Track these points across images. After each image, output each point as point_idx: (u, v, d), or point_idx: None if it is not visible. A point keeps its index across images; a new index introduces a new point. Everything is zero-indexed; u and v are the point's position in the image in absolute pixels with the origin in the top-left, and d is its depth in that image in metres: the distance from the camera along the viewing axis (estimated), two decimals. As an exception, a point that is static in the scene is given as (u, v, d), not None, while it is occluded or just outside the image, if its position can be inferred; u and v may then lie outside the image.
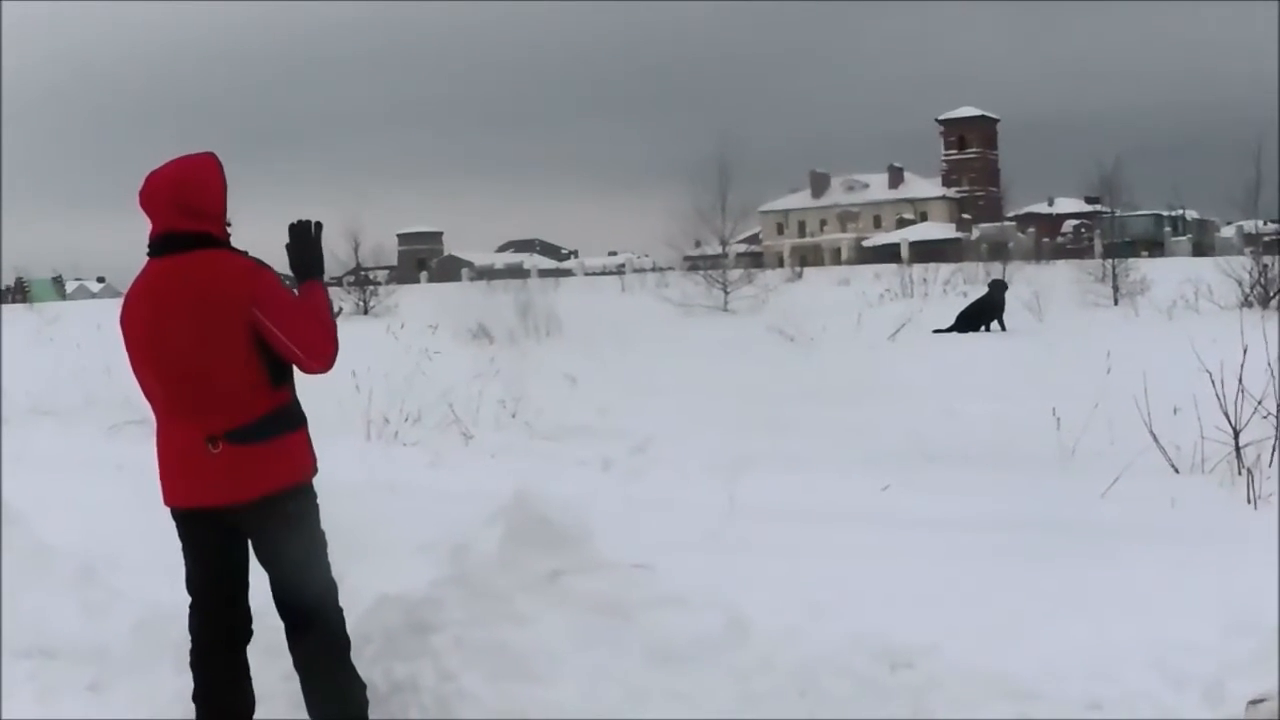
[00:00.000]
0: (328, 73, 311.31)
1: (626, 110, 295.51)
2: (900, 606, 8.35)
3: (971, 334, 32.15)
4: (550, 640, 7.00)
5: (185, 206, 6.01)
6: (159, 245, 6.08)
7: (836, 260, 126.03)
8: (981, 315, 33.20)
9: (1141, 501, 10.96)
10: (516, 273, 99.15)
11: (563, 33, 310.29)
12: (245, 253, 6.14)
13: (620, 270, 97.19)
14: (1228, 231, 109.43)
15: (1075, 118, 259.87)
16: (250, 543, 6.28)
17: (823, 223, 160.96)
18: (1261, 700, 7.00)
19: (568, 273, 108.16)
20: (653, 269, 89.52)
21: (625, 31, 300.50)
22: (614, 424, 16.35)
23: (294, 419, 6.19)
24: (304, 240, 6.33)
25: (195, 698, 6.41)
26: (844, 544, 9.83)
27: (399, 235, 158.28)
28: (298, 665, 6.32)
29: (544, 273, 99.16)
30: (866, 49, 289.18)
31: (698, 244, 55.48)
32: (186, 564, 6.38)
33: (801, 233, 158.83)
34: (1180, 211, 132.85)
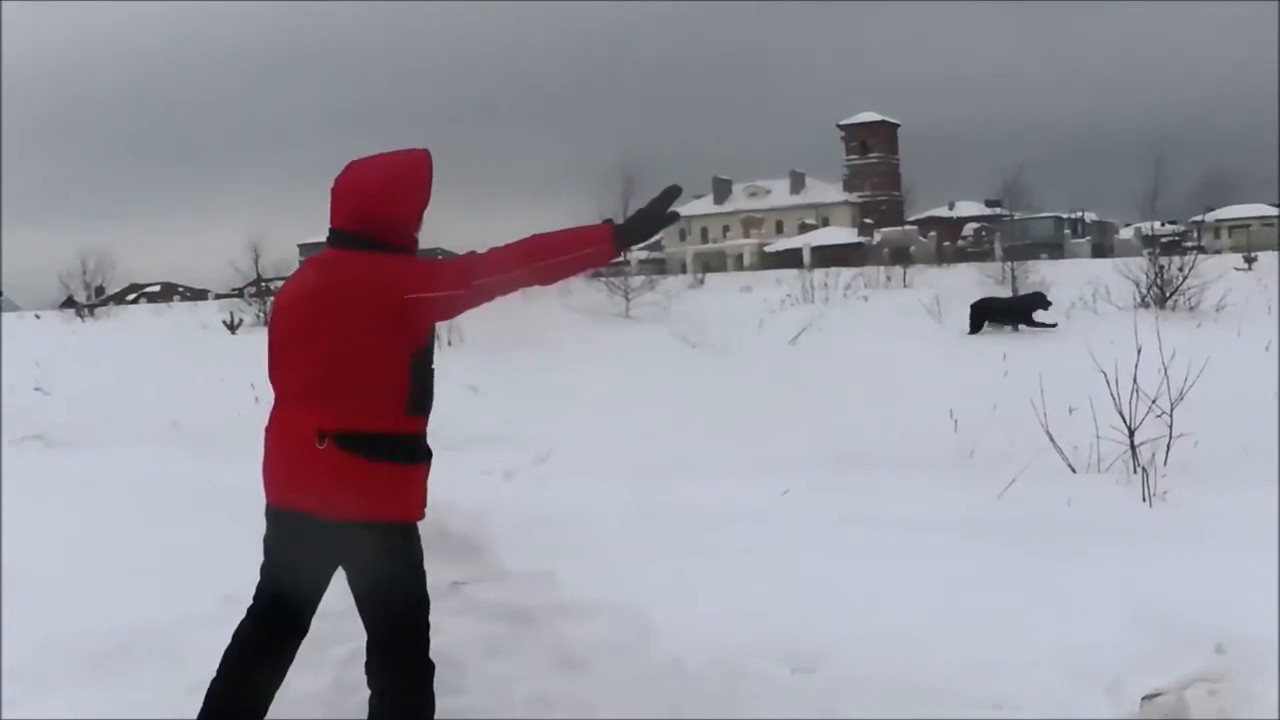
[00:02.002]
0: (246, 78, 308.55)
1: (530, 118, 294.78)
2: (804, 609, 8.40)
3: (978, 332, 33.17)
4: (455, 650, 7.00)
5: (369, 218, 5.73)
6: (335, 238, 5.81)
7: (739, 266, 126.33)
8: (1006, 314, 34.19)
9: (1039, 501, 11.07)
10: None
11: (464, 40, 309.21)
12: None
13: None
14: (1127, 233, 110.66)
15: (976, 122, 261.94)
16: (342, 568, 5.91)
17: (726, 229, 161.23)
18: (1156, 695, 7.11)
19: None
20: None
21: (527, 38, 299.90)
22: (519, 433, 16.39)
23: (417, 452, 5.86)
24: (655, 217, 5.84)
25: (212, 694, 5.97)
26: (746, 547, 9.86)
27: (299, 245, 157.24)
28: (374, 689, 5.91)
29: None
30: (768, 56, 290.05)
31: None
32: (263, 566, 6.00)
33: (704, 239, 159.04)
34: (1080, 214, 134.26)
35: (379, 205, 5.75)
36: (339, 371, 5.60)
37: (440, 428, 15.81)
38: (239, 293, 67.17)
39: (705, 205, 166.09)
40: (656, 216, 5.83)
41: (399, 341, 5.63)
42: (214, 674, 5.98)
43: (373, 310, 5.56)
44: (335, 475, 5.59)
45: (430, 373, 5.87)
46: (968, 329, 33.32)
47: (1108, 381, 12.70)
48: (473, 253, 5.76)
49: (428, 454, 5.95)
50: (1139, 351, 12.75)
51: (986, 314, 34.02)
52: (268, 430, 5.84)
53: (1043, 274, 44.70)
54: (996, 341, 24.19)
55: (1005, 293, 42.09)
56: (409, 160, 5.90)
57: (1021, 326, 33.16)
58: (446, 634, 6.94)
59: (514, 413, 18.15)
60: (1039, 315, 33.31)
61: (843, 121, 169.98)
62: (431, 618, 6.08)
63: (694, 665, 7.40)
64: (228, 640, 6.00)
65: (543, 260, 5.72)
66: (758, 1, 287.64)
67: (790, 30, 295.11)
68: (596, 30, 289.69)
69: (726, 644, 7.69)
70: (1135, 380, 12.68)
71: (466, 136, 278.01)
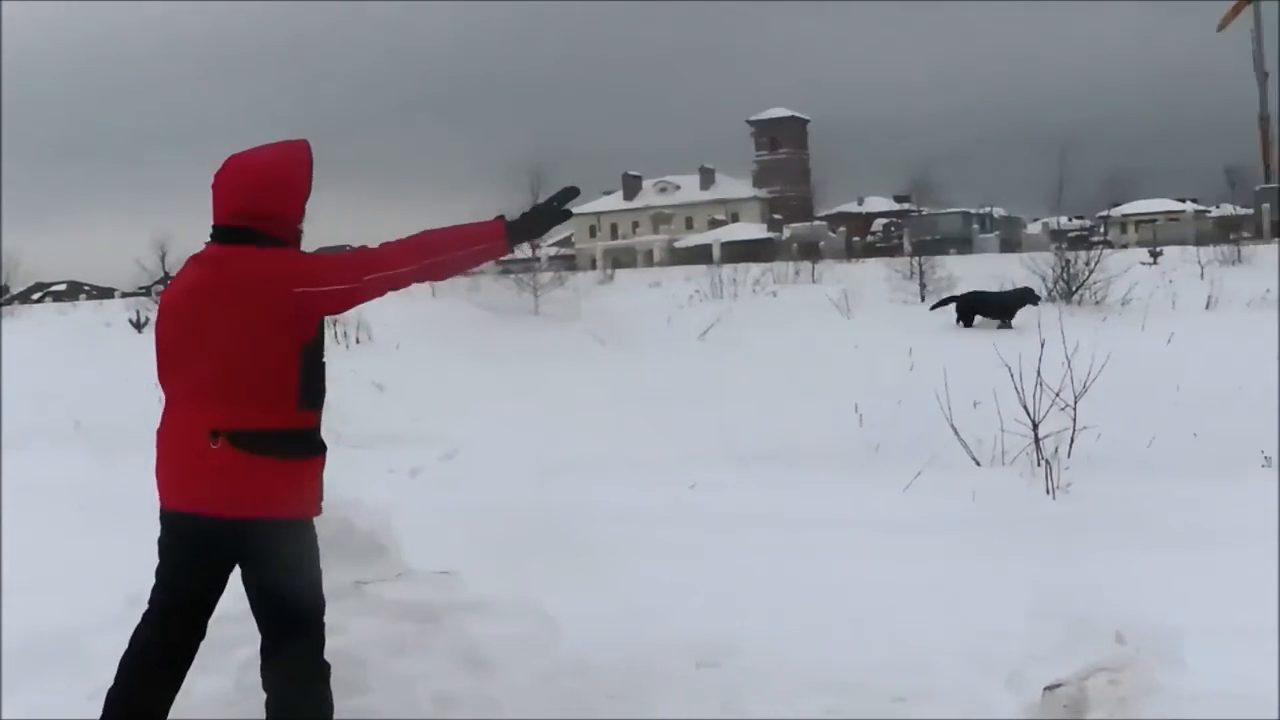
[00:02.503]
0: (152, 75, 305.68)
1: (438, 114, 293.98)
2: (709, 605, 8.44)
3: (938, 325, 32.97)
4: (358, 649, 6.96)
5: (251, 212, 5.67)
6: (218, 234, 5.73)
7: (649, 262, 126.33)
8: (992, 309, 33.82)
9: (944, 495, 11.12)
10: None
11: (372, 37, 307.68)
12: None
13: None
14: (1035, 228, 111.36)
15: (885, 118, 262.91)
16: (239, 568, 5.80)
17: (635, 225, 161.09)
18: (1058, 686, 7.14)
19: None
20: (464, 273, 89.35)
21: (434, 35, 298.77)
22: (425, 431, 16.33)
23: (311, 446, 5.79)
24: (548, 212, 5.86)
25: (111, 700, 5.85)
26: (652, 544, 9.87)
27: (207, 243, 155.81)
28: (269, 689, 5.82)
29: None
30: (677, 51, 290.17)
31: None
32: (159, 570, 5.87)
33: (614, 235, 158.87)
34: (988, 209, 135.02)
35: (260, 199, 5.70)
36: (229, 370, 5.53)
37: (346, 426, 15.77)
38: (146, 291, 66.60)
39: (615, 201, 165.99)
40: (550, 214, 5.86)
41: (288, 336, 5.57)
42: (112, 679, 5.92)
43: (260, 306, 5.51)
44: (229, 475, 5.53)
45: (321, 366, 5.82)
46: (956, 322, 33.21)
47: (1012, 375, 12.78)
48: (364, 247, 5.71)
49: (322, 448, 5.89)
50: (1042, 345, 12.83)
51: (975, 308, 33.81)
52: (159, 433, 5.77)
53: (950, 269, 44.92)
54: (904, 336, 24.30)
55: (913, 289, 42.39)
56: (288, 152, 5.86)
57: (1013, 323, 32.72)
58: (350, 633, 6.90)
59: (421, 410, 18.12)
60: (1027, 310, 32.77)
61: (753, 117, 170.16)
62: (335, 617, 6.03)
63: (598, 662, 7.38)
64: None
65: (435, 256, 5.70)
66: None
67: (701, 26, 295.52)
68: (506, 24, 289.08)
69: (631, 640, 7.68)
70: (1039, 374, 12.76)
71: (377, 133, 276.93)
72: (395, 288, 5.71)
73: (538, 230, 5.89)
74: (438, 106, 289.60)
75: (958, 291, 39.51)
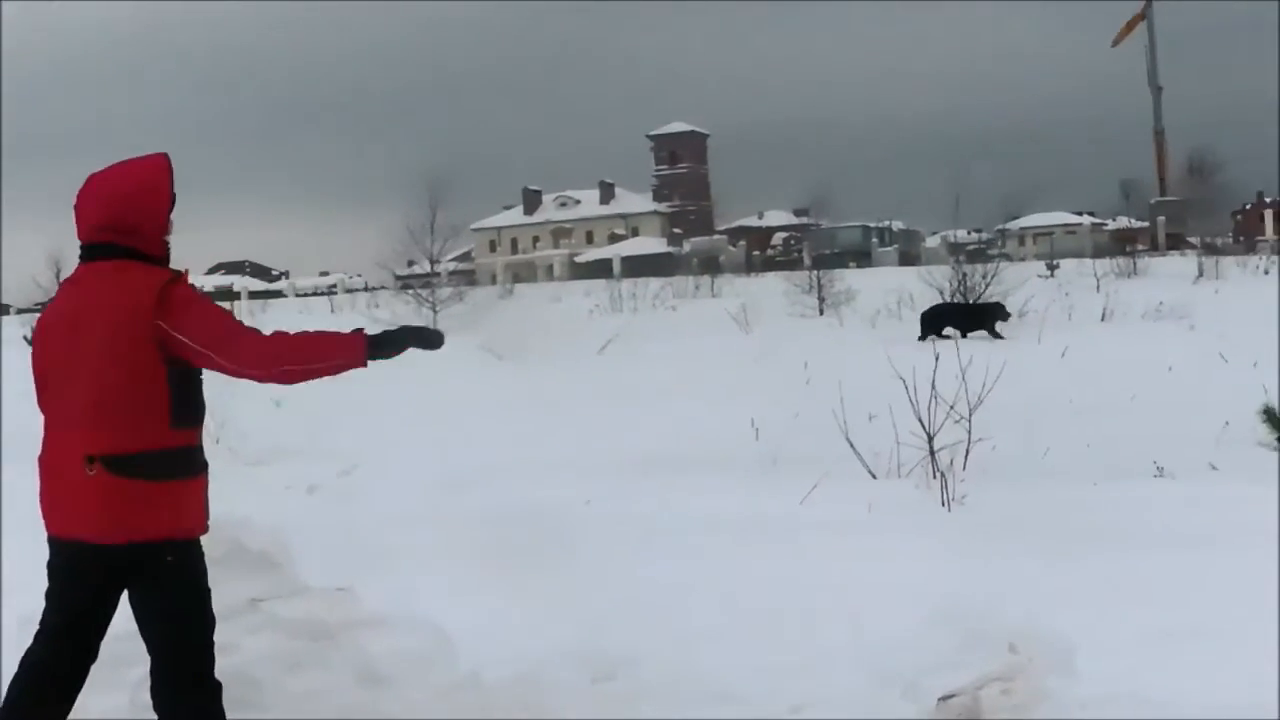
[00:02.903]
0: (51, 83, 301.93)
1: (338, 128, 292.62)
2: (605, 616, 8.44)
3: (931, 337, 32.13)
4: (254, 667, 6.93)
5: (114, 225, 5.65)
6: (85, 253, 5.73)
7: (550, 277, 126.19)
8: (960, 321, 33.35)
9: (840, 506, 11.17)
10: (226, 295, 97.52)
11: (270, 48, 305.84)
12: (176, 272, 5.70)
13: (332, 290, 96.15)
14: (933, 241, 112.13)
15: (785, 132, 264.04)
16: (126, 592, 5.74)
17: (535, 239, 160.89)
18: (952, 696, 7.21)
19: (279, 294, 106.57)
20: (365, 289, 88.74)
21: (334, 46, 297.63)
22: (323, 447, 16.26)
23: (190, 465, 5.73)
24: (414, 334, 5.98)
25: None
26: (549, 556, 9.85)
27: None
28: (159, 710, 5.77)
29: (254, 294, 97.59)
30: (577, 65, 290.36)
31: (410, 263, 55.10)
32: (49, 593, 5.82)
33: (514, 250, 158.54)
34: (887, 223, 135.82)
35: (122, 213, 5.70)
36: (100, 393, 5.53)
37: (242, 442, 15.64)
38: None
39: (515, 216, 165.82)
40: (413, 337, 6.00)
41: (153, 356, 5.56)
42: (1, 701, 5.87)
43: (123, 328, 5.52)
44: (108, 500, 5.51)
45: (196, 383, 5.77)
46: (919, 335, 32.63)
47: (907, 388, 12.86)
48: (239, 322, 5.78)
49: (203, 466, 5.85)
50: (937, 358, 12.94)
51: (940, 320, 33.53)
52: (40, 459, 5.76)
53: (848, 282, 45.19)
54: (800, 350, 24.40)
55: (812, 302, 42.56)
56: (147, 165, 5.86)
57: (972, 335, 32.04)
58: (245, 651, 6.87)
59: (319, 426, 18.01)
60: (999, 327, 33.35)
61: (652, 132, 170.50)
62: (229, 635, 6.00)
63: (493, 677, 7.39)
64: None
65: (293, 364, 5.80)
66: (570, 3, 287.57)
67: (600, 39, 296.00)
68: (405, 36, 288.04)
69: (527, 654, 7.69)
70: (934, 387, 12.85)
71: (279, 144, 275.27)
72: (247, 378, 5.77)
73: (396, 350, 5.92)
74: (340, 118, 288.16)
75: (858, 303, 39.78)
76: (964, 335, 31.32)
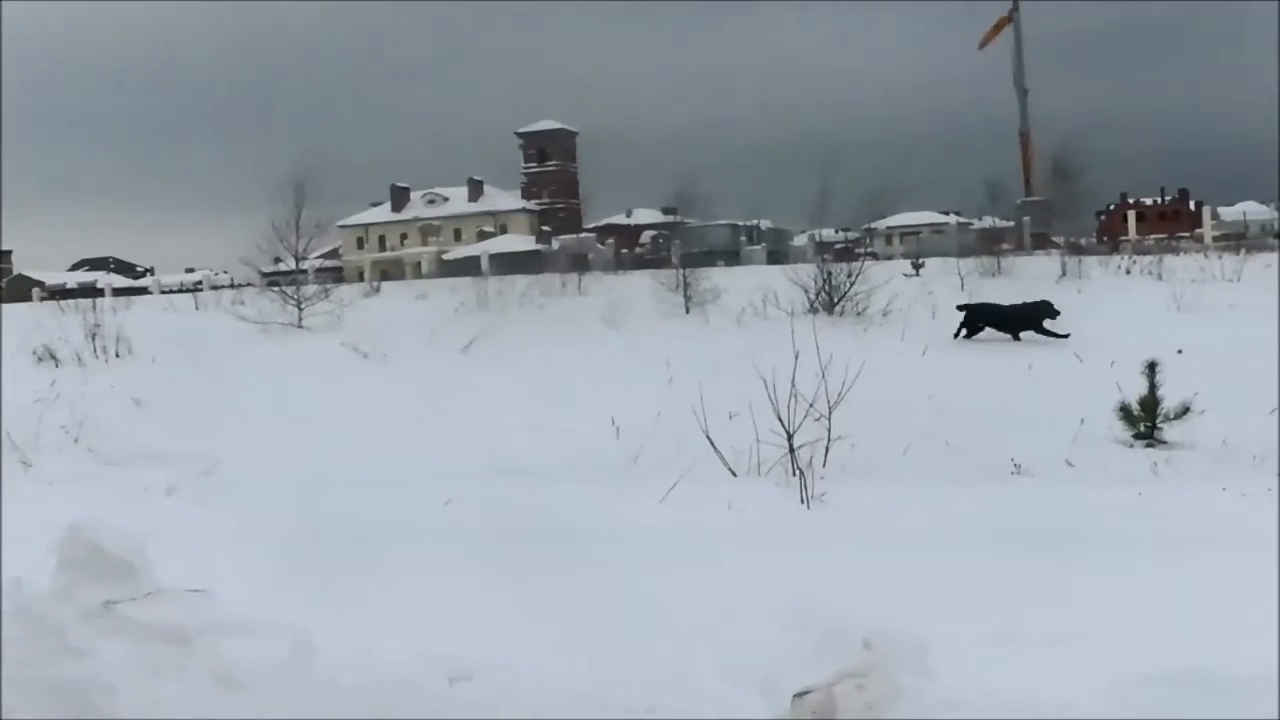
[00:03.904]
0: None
1: (202, 123, 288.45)
2: (464, 619, 8.43)
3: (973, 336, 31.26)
4: (108, 672, 6.87)
5: None
6: None
7: (418, 274, 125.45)
8: (1007, 323, 31.58)
9: (700, 505, 11.21)
10: (90, 292, 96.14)
11: (133, 46, 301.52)
12: None
13: (198, 288, 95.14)
14: (801, 240, 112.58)
15: (653, 131, 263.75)
16: None
17: (403, 237, 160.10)
18: (807, 693, 7.27)
19: (144, 291, 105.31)
20: (231, 286, 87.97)
21: (199, 43, 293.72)
22: (185, 447, 16.05)
23: None
24: None
25: None
26: (408, 561, 9.83)
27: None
28: None
29: (119, 291, 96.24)
30: (446, 62, 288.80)
31: (277, 260, 54.56)
32: None
33: (382, 247, 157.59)
34: (755, 221, 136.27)
35: None
36: None
37: (101, 443, 15.44)
38: None
39: (383, 213, 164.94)
40: None
41: None
42: None
43: None
44: None
45: None
46: (954, 334, 31.44)
47: (766, 387, 12.92)
48: None
49: None
50: (796, 357, 13.00)
51: (982, 320, 31.86)
52: None
53: (715, 280, 45.18)
54: (665, 348, 24.40)
55: (678, 301, 42.52)
56: None
57: (1024, 336, 31.19)
58: (99, 656, 6.82)
59: (180, 426, 17.82)
60: (1049, 324, 31.24)
61: (521, 129, 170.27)
62: (83, 639, 5.98)
63: (351, 681, 7.35)
64: None
65: None
66: (436, 2, 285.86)
67: (469, 36, 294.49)
68: (271, 33, 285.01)
69: (385, 658, 7.65)
70: (793, 385, 12.92)
71: (141, 141, 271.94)
72: None
73: None
74: (206, 115, 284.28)
75: (725, 301, 39.73)
76: (1015, 338, 30.98)
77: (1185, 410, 15.54)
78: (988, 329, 31.61)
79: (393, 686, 7.39)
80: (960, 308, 32.15)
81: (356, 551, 10.20)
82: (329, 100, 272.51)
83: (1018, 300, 31.81)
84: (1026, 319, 31.34)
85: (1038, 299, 31.81)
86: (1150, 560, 9.15)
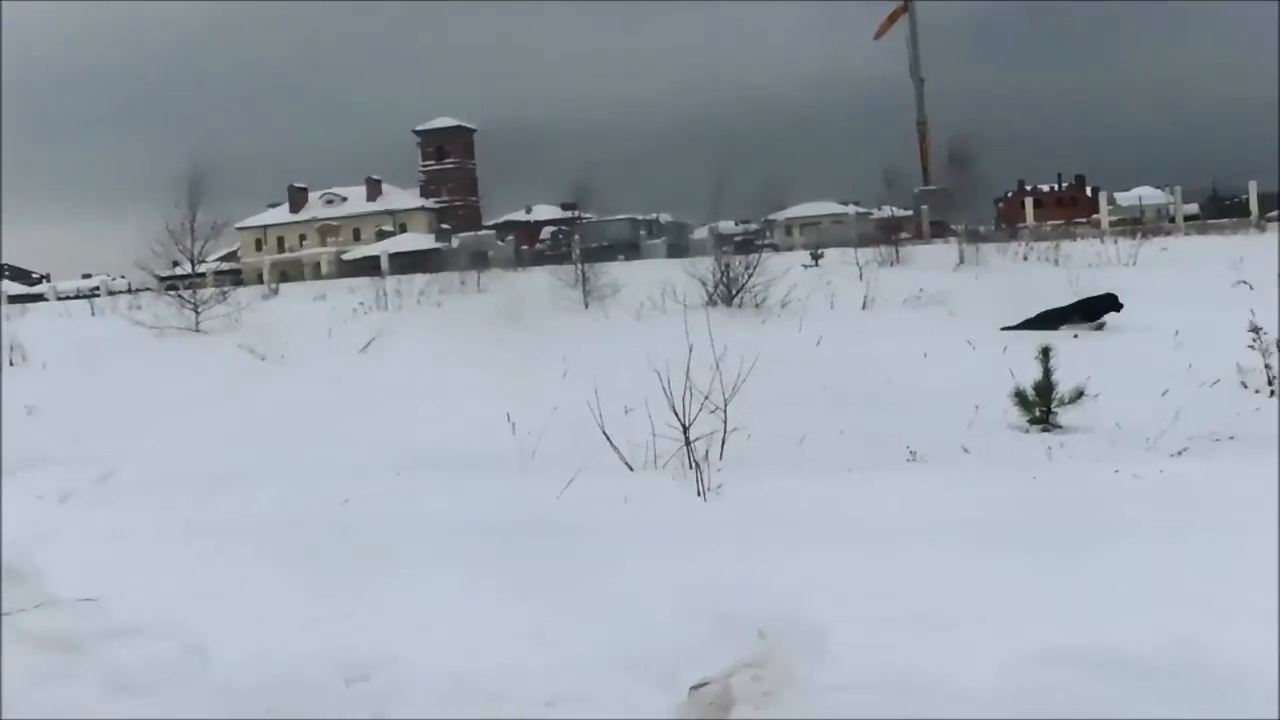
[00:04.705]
0: None
1: (95, 126, 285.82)
2: (360, 617, 8.43)
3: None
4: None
5: None
6: None
7: (318, 275, 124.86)
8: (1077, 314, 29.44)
9: (597, 500, 11.20)
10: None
11: (21, 46, 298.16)
12: None
13: (95, 293, 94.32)
14: (702, 233, 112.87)
15: (551, 126, 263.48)
16: None
17: (302, 237, 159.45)
18: (703, 684, 7.31)
19: (39, 297, 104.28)
20: (129, 291, 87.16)
21: (91, 43, 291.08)
22: (80, 453, 15.90)
23: None
24: None
25: None
26: (306, 558, 9.78)
27: None
28: None
29: (14, 298, 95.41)
30: (342, 60, 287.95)
31: (175, 264, 54.14)
32: None
33: (281, 248, 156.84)
34: (655, 215, 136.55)
35: None
36: None
37: (-7, 452, 15.18)
38: None
39: (281, 214, 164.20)
40: None
41: None
42: None
43: None
44: None
45: None
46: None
47: (661, 380, 12.94)
48: None
49: None
50: (690, 349, 13.04)
51: (1057, 321, 29.22)
52: None
53: (615, 275, 45.19)
54: (561, 343, 24.40)
55: (577, 296, 42.47)
56: None
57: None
58: (-10, 666, 6.78)
59: (76, 432, 17.66)
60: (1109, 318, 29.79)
61: (419, 127, 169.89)
62: (-26, 650, 5.94)
63: (248, 682, 7.35)
64: None
65: None
66: (330, 3, 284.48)
67: (365, 34, 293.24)
68: (165, 31, 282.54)
69: (280, 657, 7.65)
70: (688, 378, 12.94)
71: (32, 145, 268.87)
72: None
73: None
74: (102, 116, 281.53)
75: (624, 295, 39.75)
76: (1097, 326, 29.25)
77: (1079, 394, 15.67)
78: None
79: (288, 688, 7.38)
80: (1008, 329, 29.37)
81: (251, 551, 10.15)
82: (225, 100, 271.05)
83: (1085, 294, 30.58)
84: (1093, 311, 29.85)
85: (1102, 292, 30.52)
86: (1041, 542, 9.24)
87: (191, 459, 15.12)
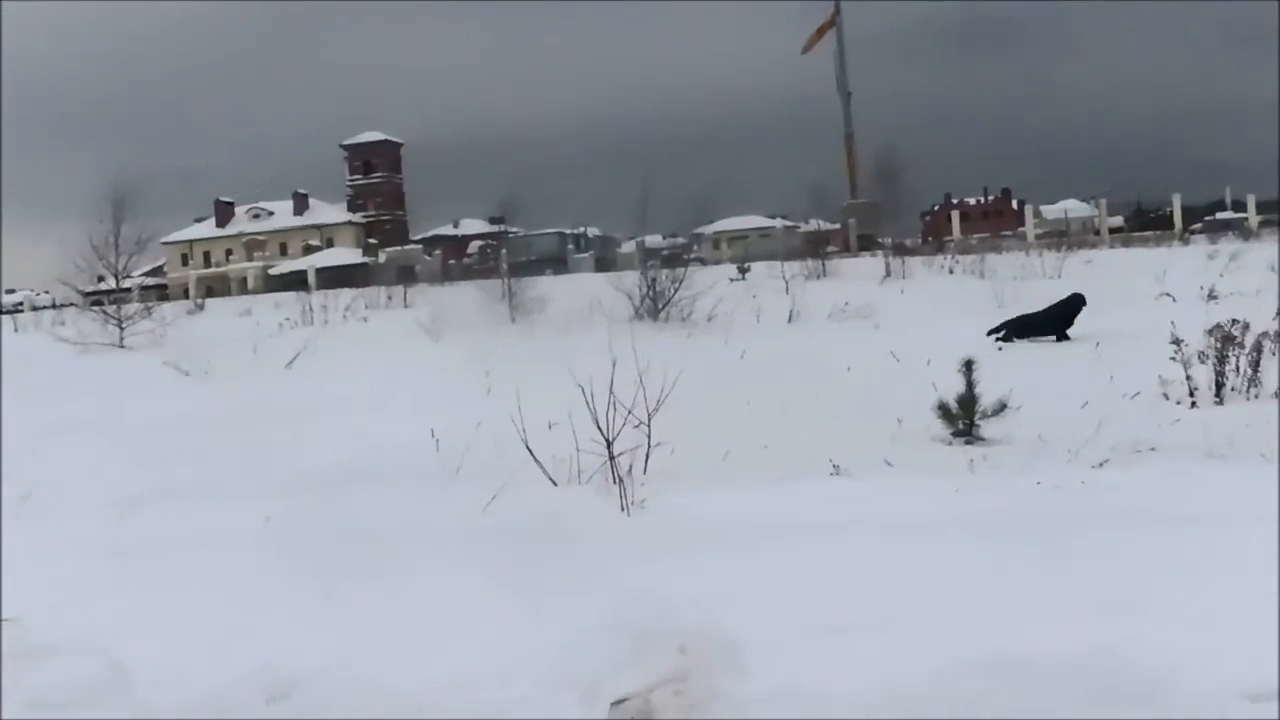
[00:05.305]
0: None
1: (17, 140, 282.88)
2: (283, 635, 8.38)
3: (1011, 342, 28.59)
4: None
5: None
6: None
7: (244, 290, 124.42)
8: (1048, 325, 29.34)
9: (521, 514, 11.20)
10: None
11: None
12: None
13: (18, 309, 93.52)
14: (629, 247, 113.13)
15: (477, 141, 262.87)
16: None
17: (228, 252, 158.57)
18: (624, 700, 7.31)
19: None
20: (53, 306, 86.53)
21: (5, 53, 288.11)
22: (-2, 472, 15.75)
23: None
24: None
25: None
26: (226, 577, 9.73)
27: None
28: None
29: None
30: (268, 74, 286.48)
31: (100, 279, 53.83)
32: None
33: (207, 263, 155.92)
34: (583, 229, 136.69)
35: None
36: None
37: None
38: None
39: (207, 229, 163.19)
40: None
41: None
42: None
43: None
44: None
45: None
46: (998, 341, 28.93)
47: (584, 395, 12.95)
48: None
49: None
50: (614, 364, 13.04)
51: (1018, 335, 29.31)
52: None
53: (542, 289, 45.26)
54: (489, 358, 24.33)
55: (504, 311, 42.52)
56: None
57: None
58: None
59: (-4, 451, 17.51)
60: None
61: (345, 141, 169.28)
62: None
63: (168, 702, 7.31)
64: None
65: None
66: (260, 2, 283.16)
67: (291, 48, 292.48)
68: (85, 42, 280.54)
69: (200, 678, 7.61)
70: (611, 392, 12.95)
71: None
72: None
73: None
74: (20, 128, 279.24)
75: (551, 309, 39.80)
76: (1060, 339, 29.12)
77: (1002, 407, 15.74)
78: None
79: (209, 707, 7.34)
80: (991, 332, 29.55)
81: (172, 568, 10.09)
82: (150, 114, 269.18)
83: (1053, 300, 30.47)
84: (1063, 319, 29.67)
85: (1068, 294, 30.32)
86: (962, 551, 9.30)
87: (113, 476, 14.99)
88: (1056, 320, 29.45)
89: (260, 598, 9.17)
